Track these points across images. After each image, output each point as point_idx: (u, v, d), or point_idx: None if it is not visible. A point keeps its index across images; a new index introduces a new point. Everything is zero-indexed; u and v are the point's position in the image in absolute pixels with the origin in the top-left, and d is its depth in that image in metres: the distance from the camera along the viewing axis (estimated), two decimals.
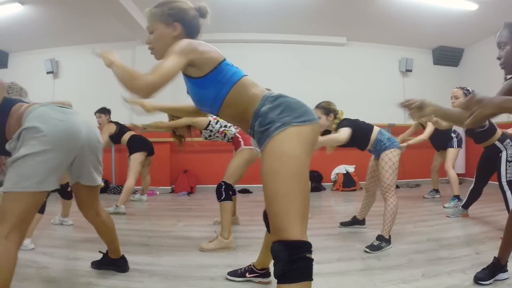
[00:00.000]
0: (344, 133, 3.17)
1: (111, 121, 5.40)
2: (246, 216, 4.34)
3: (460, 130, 5.32)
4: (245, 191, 6.67)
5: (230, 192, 3.25)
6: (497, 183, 3.54)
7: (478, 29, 6.64)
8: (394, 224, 3.15)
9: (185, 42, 1.53)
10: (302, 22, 6.72)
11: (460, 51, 8.10)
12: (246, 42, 7.31)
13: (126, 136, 5.27)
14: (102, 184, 6.35)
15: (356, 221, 3.85)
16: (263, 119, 1.50)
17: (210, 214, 4.40)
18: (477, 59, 7.52)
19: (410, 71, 7.86)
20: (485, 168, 3.92)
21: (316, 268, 2.58)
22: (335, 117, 3.35)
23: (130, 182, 4.86)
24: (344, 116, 3.38)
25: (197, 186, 6.86)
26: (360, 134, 3.30)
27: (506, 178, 3.50)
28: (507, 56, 1.86)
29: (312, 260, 1.34)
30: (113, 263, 2.53)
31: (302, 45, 7.54)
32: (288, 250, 1.28)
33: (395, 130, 7.47)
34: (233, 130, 3.71)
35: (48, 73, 7.51)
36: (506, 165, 3.54)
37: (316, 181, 6.96)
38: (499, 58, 1.91)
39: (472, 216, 4.13)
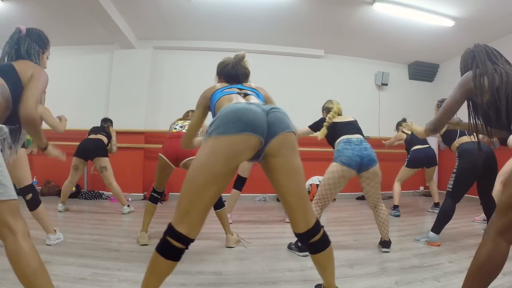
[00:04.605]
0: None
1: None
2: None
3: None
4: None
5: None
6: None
7: (453, 45, 6.80)
8: (367, 234, 3.14)
9: None
10: (281, 33, 6.76)
11: (435, 67, 8.31)
12: (224, 51, 7.20)
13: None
14: (74, 188, 6.20)
15: None
16: None
17: None
18: (452, 75, 7.66)
19: (386, 85, 8.01)
20: None
21: (287, 275, 2.59)
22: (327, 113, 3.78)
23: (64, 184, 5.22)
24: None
25: (169, 193, 6.72)
26: (332, 134, 3.56)
27: None
28: None
29: (171, 243, 1.67)
30: None
31: (280, 56, 7.55)
32: (167, 231, 1.69)
33: (371, 142, 7.53)
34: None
35: None
36: None
37: None
38: None
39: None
